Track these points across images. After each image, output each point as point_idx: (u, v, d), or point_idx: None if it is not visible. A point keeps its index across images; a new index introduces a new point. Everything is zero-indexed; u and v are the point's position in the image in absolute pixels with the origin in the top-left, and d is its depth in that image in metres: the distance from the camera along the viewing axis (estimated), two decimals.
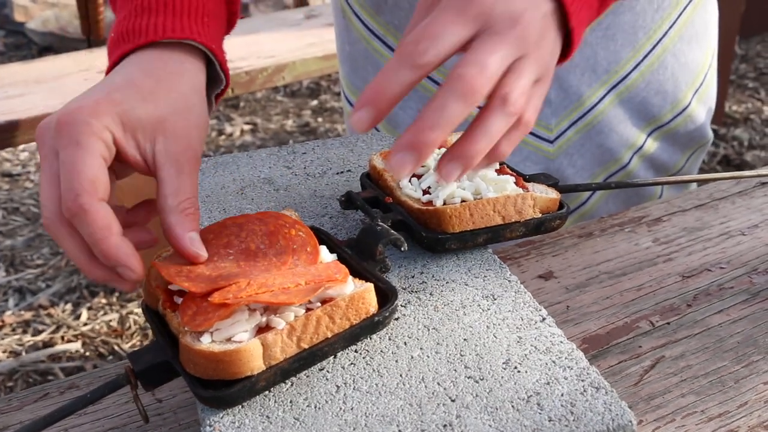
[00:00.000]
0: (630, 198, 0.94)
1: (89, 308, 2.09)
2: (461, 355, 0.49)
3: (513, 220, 0.60)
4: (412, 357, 0.49)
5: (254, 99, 3.42)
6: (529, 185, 0.63)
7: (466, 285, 0.56)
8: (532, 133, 0.87)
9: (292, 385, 0.48)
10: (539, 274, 0.68)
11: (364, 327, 0.49)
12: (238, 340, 0.45)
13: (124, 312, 2.07)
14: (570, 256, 0.70)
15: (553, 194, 0.62)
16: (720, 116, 2.92)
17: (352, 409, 0.46)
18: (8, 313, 2.06)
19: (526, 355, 0.49)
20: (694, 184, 0.93)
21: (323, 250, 0.54)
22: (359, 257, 0.55)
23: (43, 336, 1.98)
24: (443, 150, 0.65)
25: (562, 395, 0.46)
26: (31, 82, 1.80)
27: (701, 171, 2.44)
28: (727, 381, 0.55)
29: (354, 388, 0.47)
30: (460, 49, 0.47)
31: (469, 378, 0.47)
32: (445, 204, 0.58)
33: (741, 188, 0.80)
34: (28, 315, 2.06)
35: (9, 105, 1.66)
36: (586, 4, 0.52)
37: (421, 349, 0.50)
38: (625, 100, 0.86)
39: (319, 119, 3.23)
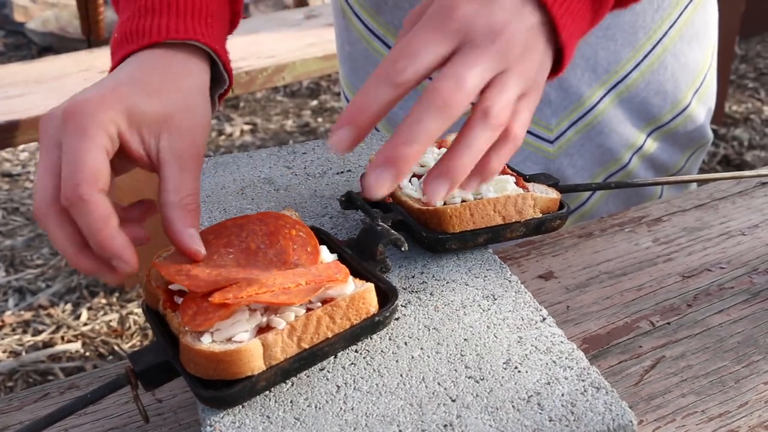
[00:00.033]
0: (630, 198, 0.94)
1: (89, 308, 2.09)
2: (462, 355, 0.49)
3: (513, 220, 0.60)
4: (412, 357, 0.49)
5: (254, 99, 3.42)
6: (530, 185, 0.63)
7: (467, 285, 0.56)
8: (532, 134, 0.87)
9: (292, 385, 0.48)
10: (539, 274, 0.68)
11: (365, 327, 0.49)
12: (239, 340, 0.45)
13: (124, 312, 2.07)
14: (570, 256, 0.70)
15: (553, 194, 0.62)
16: (720, 116, 2.92)
17: (352, 409, 0.46)
18: (8, 313, 2.06)
19: (526, 355, 0.49)
20: (694, 184, 0.93)
21: (324, 250, 0.54)
22: (360, 257, 0.55)
23: (43, 336, 1.98)
24: (443, 150, 0.65)
25: (562, 395, 0.46)
26: (31, 82, 1.80)
27: (701, 171, 2.44)
28: (727, 381, 0.55)
29: (354, 388, 0.47)
30: (440, 64, 0.47)
31: (469, 378, 0.47)
32: (445, 204, 0.58)
33: (741, 188, 0.80)
34: (28, 315, 2.06)
35: (9, 105, 1.66)
36: (578, 16, 0.51)
37: (421, 349, 0.50)
38: (625, 100, 0.86)
39: (319, 119, 3.23)
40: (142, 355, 0.48)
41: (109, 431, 0.54)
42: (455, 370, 0.48)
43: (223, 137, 3.08)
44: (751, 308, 0.62)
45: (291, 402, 0.46)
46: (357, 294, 0.49)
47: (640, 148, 0.90)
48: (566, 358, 0.49)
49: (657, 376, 0.56)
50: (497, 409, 0.45)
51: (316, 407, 0.46)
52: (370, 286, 0.50)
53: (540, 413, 0.45)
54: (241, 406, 0.46)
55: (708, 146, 0.98)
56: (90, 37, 2.38)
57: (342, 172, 0.73)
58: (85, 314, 2.06)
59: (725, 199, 0.78)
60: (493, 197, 0.59)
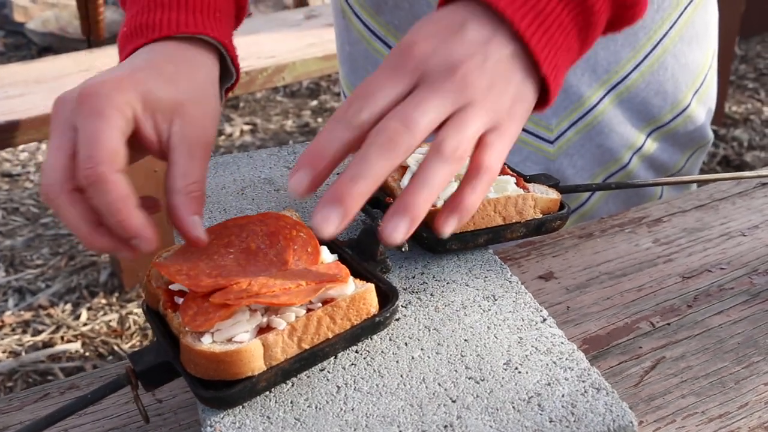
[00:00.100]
0: (630, 198, 0.94)
1: (89, 308, 2.08)
2: (462, 356, 0.49)
3: (514, 221, 0.60)
4: (412, 357, 0.49)
5: (254, 99, 3.42)
6: (530, 186, 0.63)
7: (467, 285, 0.56)
8: (532, 134, 0.87)
9: (292, 385, 0.48)
10: (540, 274, 0.68)
11: (365, 327, 0.49)
12: (239, 341, 0.45)
13: (123, 312, 2.07)
14: (570, 257, 0.70)
15: (553, 195, 0.62)
16: (720, 117, 2.92)
17: (352, 409, 0.46)
18: (8, 313, 2.06)
19: (526, 355, 0.49)
20: (695, 185, 0.93)
21: (324, 250, 0.54)
22: (360, 258, 0.55)
23: (43, 336, 1.98)
24: None
25: (562, 396, 0.46)
26: (31, 82, 1.81)
27: (701, 172, 2.44)
28: (727, 382, 0.55)
29: (355, 389, 0.47)
30: (397, 104, 0.46)
31: (469, 379, 0.47)
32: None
33: (741, 189, 0.80)
34: (27, 315, 2.06)
35: (9, 105, 1.66)
36: (562, 47, 0.50)
37: (421, 349, 0.50)
38: (625, 100, 0.86)
39: (319, 119, 3.23)
40: (143, 355, 0.48)
41: (109, 431, 0.54)
42: (455, 371, 0.48)
43: (223, 137, 3.08)
44: (751, 309, 0.62)
45: (291, 402, 0.46)
46: (357, 294, 0.49)
47: (640, 148, 0.90)
48: (566, 359, 0.49)
49: (657, 376, 0.56)
50: (497, 409, 0.45)
51: (316, 408, 0.46)
52: (371, 286, 0.50)
53: (540, 414, 0.45)
54: (241, 407, 0.46)
55: (708, 147, 0.98)
56: (90, 37, 2.38)
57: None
58: (84, 314, 2.06)
59: (725, 200, 0.78)
60: (493, 198, 0.59)
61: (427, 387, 0.47)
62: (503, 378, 0.47)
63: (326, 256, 0.53)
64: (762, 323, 0.61)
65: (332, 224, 0.43)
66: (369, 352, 0.50)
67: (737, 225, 0.74)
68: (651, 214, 0.76)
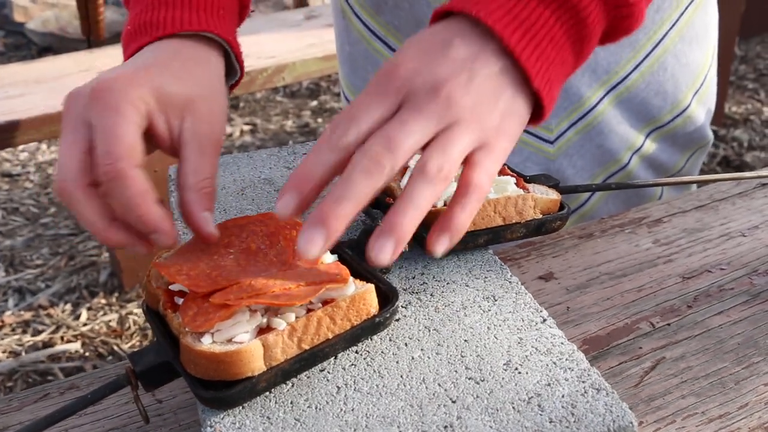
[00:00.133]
0: (630, 198, 0.94)
1: (89, 308, 2.08)
2: (462, 356, 0.49)
3: (514, 221, 0.60)
4: (412, 358, 0.49)
5: (254, 99, 3.42)
6: (530, 186, 0.63)
7: (467, 286, 0.56)
8: (532, 134, 0.87)
9: (292, 385, 0.48)
10: (539, 275, 0.68)
11: (365, 328, 0.49)
12: (239, 341, 0.45)
13: (123, 312, 2.07)
14: (570, 257, 0.70)
15: (553, 195, 0.62)
16: (720, 117, 2.92)
17: (352, 410, 0.46)
18: (8, 313, 2.06)
19: (526, 356, 0.49)
20: (695, 186, 0.93)
21: None
22: (360, 258, 0.55)
23: (43, 336, 1.98)
24: None
25: (562, 396, 0.46)
26: (31, 82, 1.81)
27: (701, 172, 2.44)
28: (727, 382, 0.55)
29: (355, 389, 0.47)
30: (381, 125, 0.46)
31: (469, 379, 0.47)
32: (445, 205, 0.58)
33: (741, 189, 0.80)
34: (27, 315, 2.06)
35: (9, 105, 1.66)
36: (555, 61, 0.50)
37: (421, 350, 0.50)
38: (625, 100, 0.86)
39: (319, 120, 3.23)
40: (143, 355, 0.48)
41: (109, 431, 0.54)
42: (455, 371, 0.48)
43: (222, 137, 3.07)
44: (751, 309, 0.62)
45: (291, 403, 0.46)
46: (357, 295, 0.49)
47: (640, 148, 0.90)
48: (566, 360, 0.49)
49: (657, 377, 0.56)
50: (497, 410, 0.45)
51: (316, 408, 0.46)
52: (371, 286, 0.50)
53: (540, 414, 0.45)
54: (241, 407, 0.46)
55: (708, 147, 0.98)
56: (90, 37, 2.38)
57: None
58: (84, 314, 2.06)
59: (725, 200, 0.78)
60: (493, 198, 0.59)
61: (427, 387, 0.47)
62: (503, 378, 0.47)
63: (326, 256, 0.53)
64: (762, 324, 0.61)
65: (316, 246, 0.44)
66: (369, 352, 0.50)
67: (737, 225, 0.74)
68: (651, 215, 0.76)
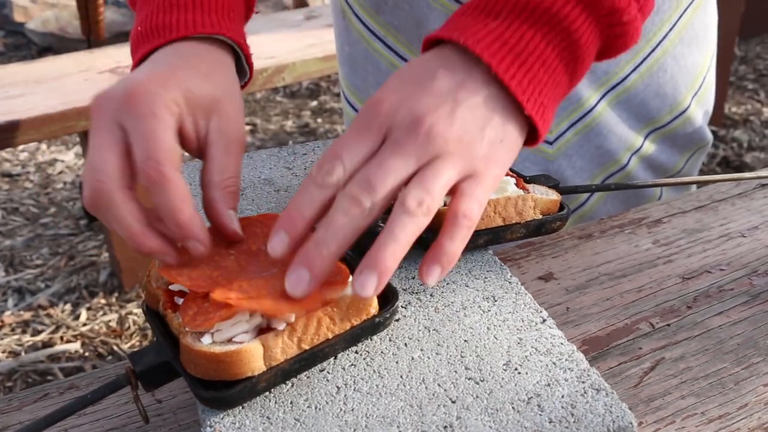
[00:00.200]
0: (629, 199, 0.94)
1: (88, 308, 2.08)
2: (462, 357, 0.49)
3: (513, 222, 0.60)
4: (412, 358, 0.49)
5: (254, 100, 3.42)
6: (530, 186, 0.63)
7: (467, 286, 0.56)
8: None
9: (292, 386, 0.48)
10: (539, 275, 0.68)
11: (365, 328, 0.49)
12: (239, 341, 0.45)
13: (123, 312, 2.07)
14: (570, 258, 0.70)
15: (553, 195, 0.63)
16: (719, 118, 2.93)
17: (352, 410, 0.46)
18: (7, 313, 2.06)
19: (526, 356, 0.49)
20: (694, 186, 0.93)
21: None
22: (360, 258, 0.54)
23: (43, 336, 1.98)
24: None
25: (562, 397, 0.46)
26: (31, 82, 1.81)
27: (701, 173, 2.44)
28: (727, 383, 0.55)
29: (354, 389, 0.47)
30: (366, 162, 0.46)
31: (469, 379, 0.48)
32: (445, 205, 0.58)
33: (741, 190, 0.80)
34: (27, 315, 2.06)
35: (9, 105, 1.66)
36: (548, 84, 0.49)
37: (421, 350, 0.50)
38: (624, 101, 0.87)
39: (319, 120, 3.23)
40: (143, 355, 0.48)
41: (109, 431, 0.54)
42: (455, 372, 0.48)
43: None
44: (750, 310, 0.63)
45: (291, 403, 0.46)
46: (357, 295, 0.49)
47: (639, 149, 0.90)
48: (566, 360, 0.49)
49: (657, 377, 0.56)
50: (497, 410, 0.45)
51: (316, 408, 0.46)
52: None
53: (540, 415, 0.45)
54: (241, 407, 0.46)
55: (708, 148, 0.98)
56: (90, 37, 2.38)
57: None
58: (84, 314, 2.06)
59: (725, 201, 0.78)
60: (493, 198, 0.59)
61: (426, 387, 0.47)
62: (503, 379, 0.47)
63: None
64: (762, 324, 0.61)
65: (301, 286, 0.45)
66: (369, 352, 0.50)
67: (737, 226, 0.74)
68: (651, 215, 0.76)
